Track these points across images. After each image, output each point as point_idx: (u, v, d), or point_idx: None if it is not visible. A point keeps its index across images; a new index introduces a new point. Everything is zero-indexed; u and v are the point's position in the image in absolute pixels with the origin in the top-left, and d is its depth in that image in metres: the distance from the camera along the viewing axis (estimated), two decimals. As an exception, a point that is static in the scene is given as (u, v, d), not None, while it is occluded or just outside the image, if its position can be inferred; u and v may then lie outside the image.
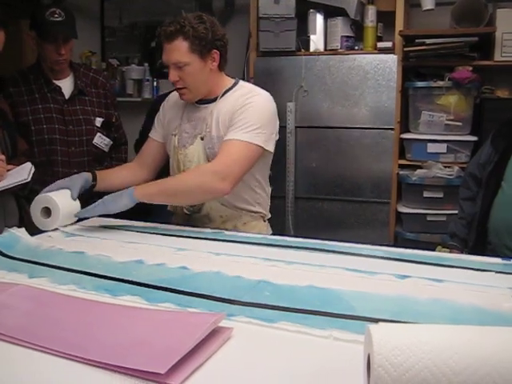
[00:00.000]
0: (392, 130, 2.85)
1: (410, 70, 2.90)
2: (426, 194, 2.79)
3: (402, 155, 2.93)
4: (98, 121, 2.19)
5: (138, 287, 1.08)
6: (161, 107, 1.85)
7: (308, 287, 1.07)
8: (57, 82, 2.12)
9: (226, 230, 1.63)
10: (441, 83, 2.77)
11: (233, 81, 1.71)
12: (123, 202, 1.53)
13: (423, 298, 1.02)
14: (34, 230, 1.48)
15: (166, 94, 1.93)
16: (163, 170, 1.83)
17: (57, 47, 2.02)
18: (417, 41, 2.75)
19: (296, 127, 2.98)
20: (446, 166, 2.77)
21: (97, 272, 1.16)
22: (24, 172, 1.63)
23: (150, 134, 1.85)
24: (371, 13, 2.89)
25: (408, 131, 2.91)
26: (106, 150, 2.23)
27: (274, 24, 2.91)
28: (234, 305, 0.99)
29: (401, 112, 2.86)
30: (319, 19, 2.95)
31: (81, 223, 1.62)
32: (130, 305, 0.99)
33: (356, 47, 2.95)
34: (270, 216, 1.81)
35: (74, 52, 2.21)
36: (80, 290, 1.06)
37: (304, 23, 2.97)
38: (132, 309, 0.96)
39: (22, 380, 0.74)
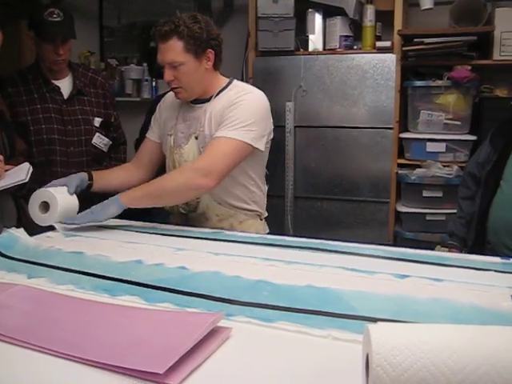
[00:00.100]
0: (391, 129, 2.85)
1: (409, 70, 2.90)
2: (425, 194, 2.79)
3: (401, 154, 2.92)
4: (97, 121, 2.19)
5: (137, 287, 1.08)
6: (157, 107, 1.85)
7: (307, 287, 1.07)
8: (55, 82, 2.12)
9: (223, 228, 1.63)
10: (440, 82, 2.77)
11: (227, 80, 1.71)
12: (111, 210, 1.54)
13: (423, 297, 1.02)
14: (32, 231, 1.48)
15: (166, 94, 1.94)
16: (161, 171, 1.83)
17: (55, 47, 2.02)
18: (415, 40, 2.74)
19: (295, 127, 2.98)
20: (445, 166, 2.77)
21: (95, 272, 1.16)
22: (22, 172, 1.62)
23: (146, 135, 1.85)
24: (370, 12, 2.89)
25: (407, 130, 2.91)
26: (105, 149, 2.23)
27: (272, 24, 2.91)
28: (233, 305, 0.99)
29: (400, 111, 2.85)
30: (318, 19, 2.95)
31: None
32: (128, 305, 0.99)
33: (355, 47, 2.95)
34: (266, 215, 1.81)
35: (73, 52, 2.20)
36: (79, 290, 1.06)
37: (303, 23, 2.97)
38: (131, 309, 0.96)
39: (22, 380, 0.74)
